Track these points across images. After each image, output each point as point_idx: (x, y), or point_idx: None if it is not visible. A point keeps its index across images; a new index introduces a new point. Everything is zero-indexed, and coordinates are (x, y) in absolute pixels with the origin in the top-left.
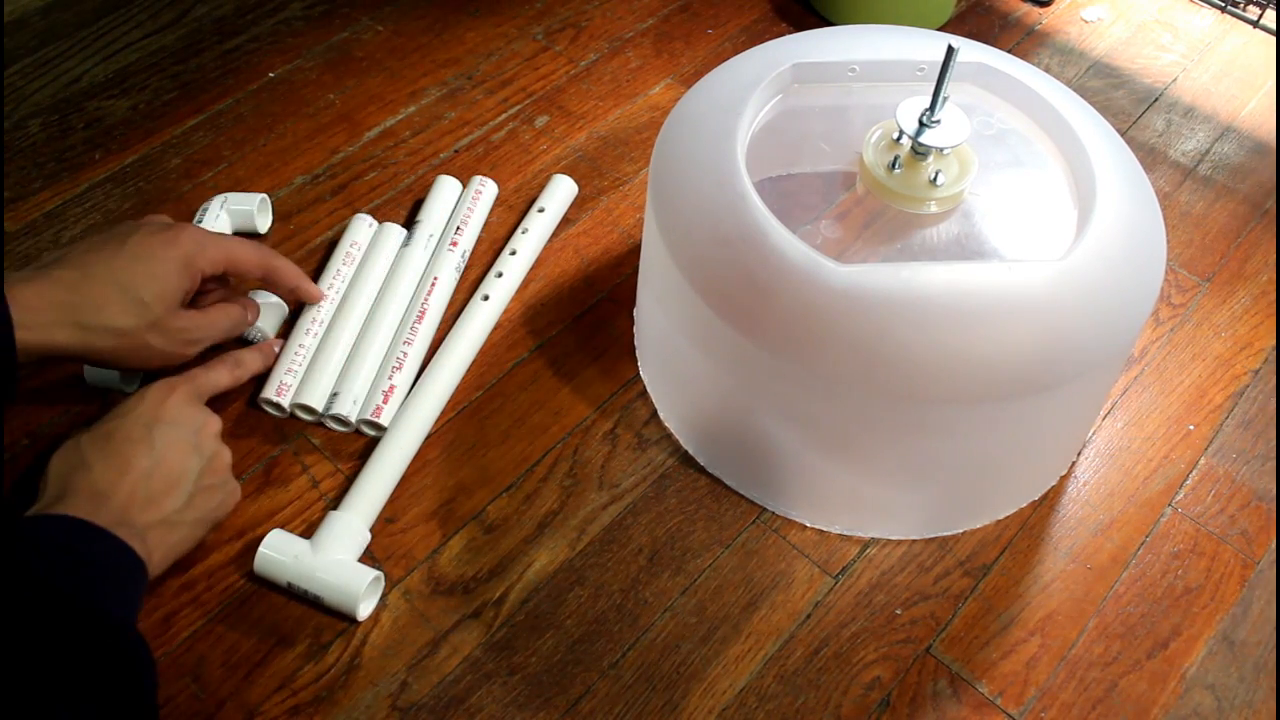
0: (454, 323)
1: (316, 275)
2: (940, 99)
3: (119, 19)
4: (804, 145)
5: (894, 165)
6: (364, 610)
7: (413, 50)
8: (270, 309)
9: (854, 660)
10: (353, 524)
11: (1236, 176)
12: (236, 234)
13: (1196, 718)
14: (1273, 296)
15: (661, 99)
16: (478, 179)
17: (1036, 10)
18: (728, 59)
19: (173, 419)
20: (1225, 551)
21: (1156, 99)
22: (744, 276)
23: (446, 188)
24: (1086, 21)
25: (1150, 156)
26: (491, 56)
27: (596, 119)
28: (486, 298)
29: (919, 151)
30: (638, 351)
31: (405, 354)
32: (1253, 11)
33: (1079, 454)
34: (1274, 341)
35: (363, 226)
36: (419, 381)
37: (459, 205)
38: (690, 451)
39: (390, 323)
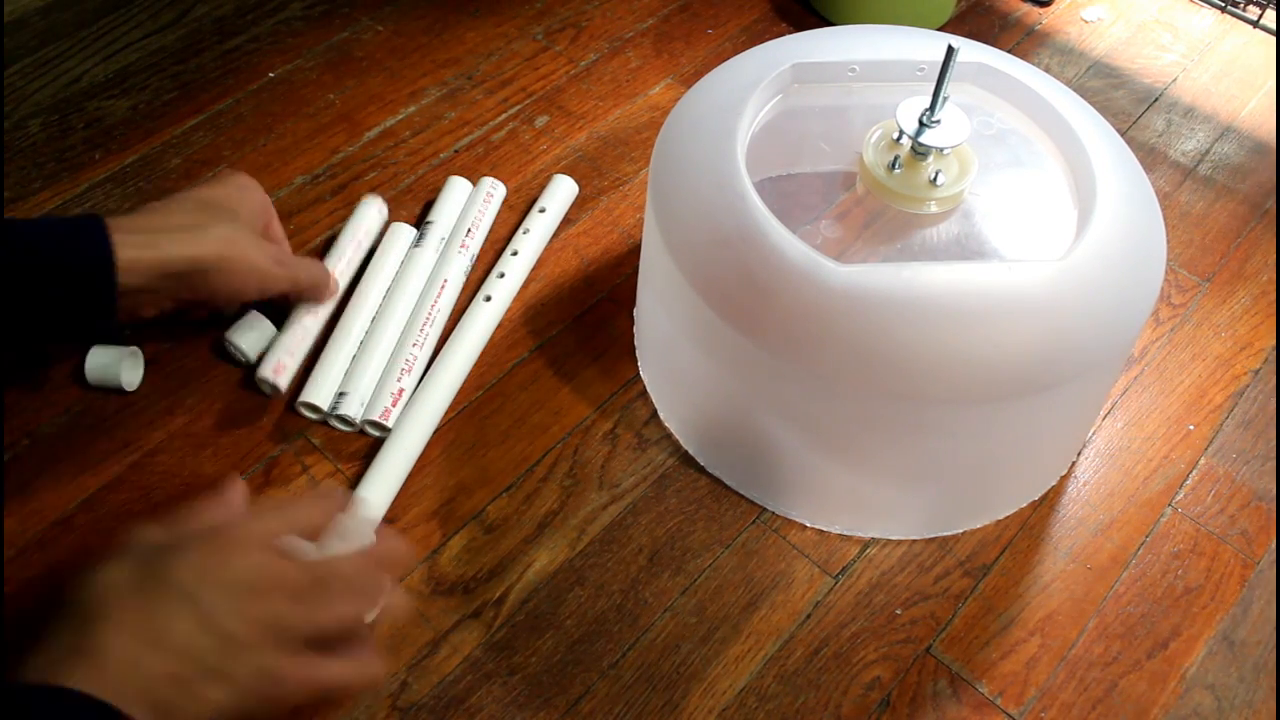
0: (456, 323)
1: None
2: (940, 99)
3: (119, 19)
4: (804, 145)
5: (894, 165)
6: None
7: (413, 50)
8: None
9: (854, 660)
10: (360, 527)
11: (1236, 176)
12: None
13: (1196, 718)
14: (1273, 296)
15: (661, 99)
16: (488, 181)
17: (1036, 10)
18: (728, 59)
19: (205, 576)
20: (1225, 551)
21: (1156, 99)
22: (744, 276)
23: (458, 189)
24: (1086, 21)
25: (1150, 156)
26: (491, 56)
27: (596, 119)
28: (489, 298)
29: (919, 151)
30: (638, 351)
31: (414, 357)
32: (1253, 11)
33: (1079, 454)
34: (1274, 341)
35: (372, 211)
36: (422, 383)
37: (470, 208)
38: (690, 451)
39: (398, 324)
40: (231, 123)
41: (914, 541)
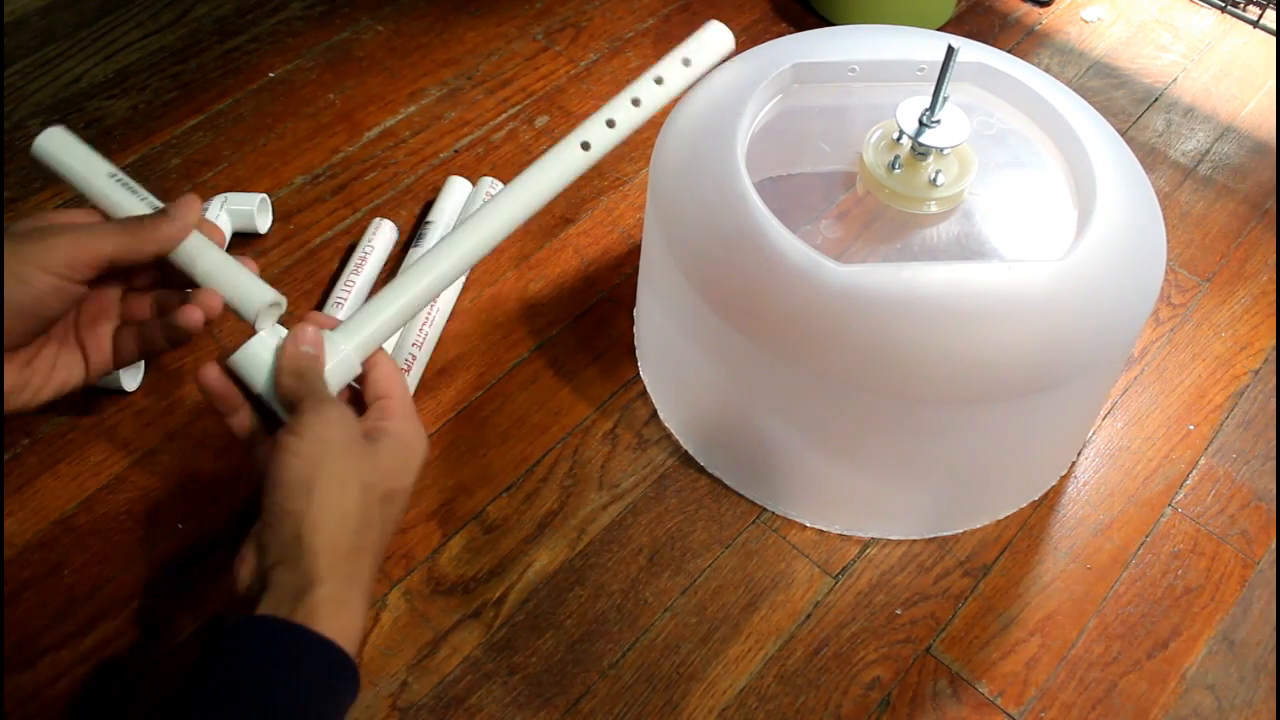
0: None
1: (331, 282)
2: (940, 99)
3: (119, 19)
4: (804, 145)
5: (894, 165)
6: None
7: (413, 50)
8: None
9: (854, 660)
10: (342, 349)
11: (1236, 176)
12: (236, 234)
13: (1196, 718)
14: (1273, 296)
15: None
16: (488, 180)
17: (1036, 10)
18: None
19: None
20: (1225, 551)
21: (1156, 99)
22: (744, 276)
23: (457, 189)
24: (1086, 21)
25: (1150, 156)
26: (491, 56)
27: None
28: (587, 145)
29: (919, 151)
30: (638, 351)
31: (414, 356)
32: (1253, 11)
33: (1079, 454)
34: (1274, 341)
35: (384, 232)
36: (477, 211)
37: (470, 208)
38: (690, 451)
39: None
40: (231, 123)
41: (914, 541)
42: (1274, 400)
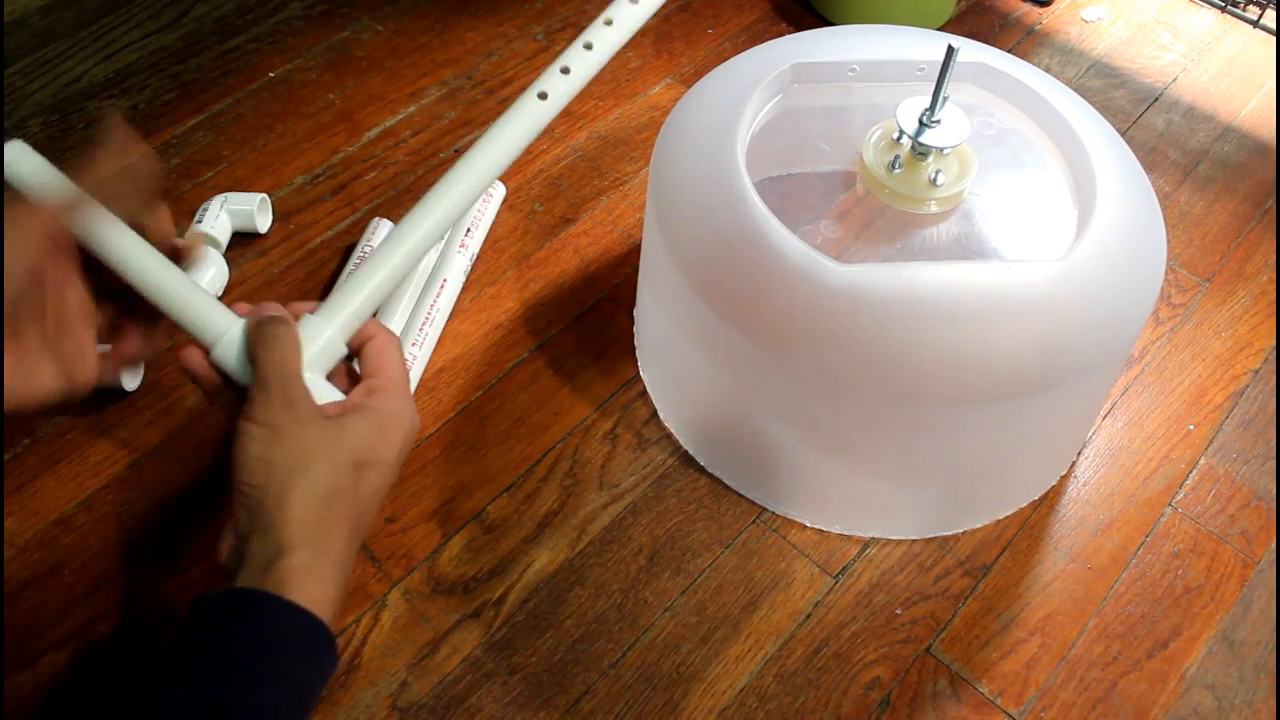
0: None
1: (331, 282)
2: (940, 99)
3: (119, 19)
4: (804, 145)
5: (894, 165)
6: None
7: (413, 50)
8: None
9: (854, 660)
10: (325, 333)
11: (1236, 176)
12: (236, 234)
13: (1196, 718)
14: (1273, 296)
15: (661, 99)
16: None
17: (1036, 10)
18: (728, 59)
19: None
20: (1225, 551)
21: (1156, 99)
22: (744, 276)
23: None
24: (1086, 21)
25: (1150, 156)
26: (491, 56)
27: (596, 119)
28: (544, 95)
29: (919, 151)
30: (638, 351)
31: (414, 356)
32: (1253, 11)
33: (1079, 454)
34: (1274, 341)
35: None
36: (447, 175)
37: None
38: (690, 451)
39: (398, 324)
40: (231, 123)
41: (914, 541)
42: (1274, 400)
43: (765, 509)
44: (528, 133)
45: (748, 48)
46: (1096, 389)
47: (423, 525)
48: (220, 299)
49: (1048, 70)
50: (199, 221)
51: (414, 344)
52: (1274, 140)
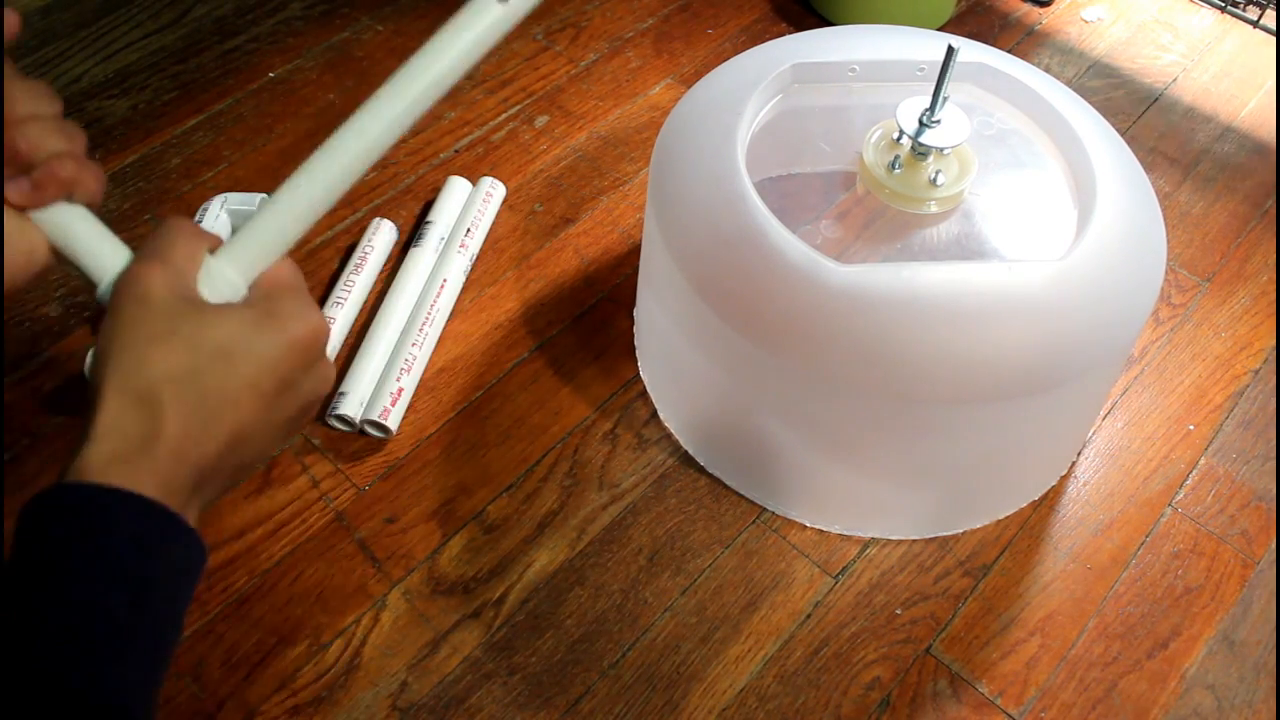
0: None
1: (331, 282)
2: (940, 99)
3: (119, 19)
4: (804, 145)
5: (894, 165)
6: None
7: (413, 50)
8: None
9: (854, 660)
10: (226, 274)
11: (1236, 176)
12: None
13: (1196, 718)
14: (1273, 296)
15: (661, 99)
16: (488, 181)
17: (1036, 10)
18: (728, 59)
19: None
20: (1225, 551)
21: (1156, 99)
22: (744, 276)
23: (457, 189)
24: (1086, 21)
25: (1150, 156)
26: (491, 56)
27: (596, 119)
28: None
29: (919, 151)
30: (638, 351)
31: (414, 356)
32: (1253, 11)
33: (1079, 454)
34: (1274, 341)
35: (384, 232)
36: (359, 111)
37: (469, 208)
38: (690, 451)
39: (398, 324)
40: (231, 123)
41: (914, 541)
42: (1274, 400)
43: (765, 509)
44: (481, 43)
45: (748, 48)
46: (1096, 389)
47: (423, 525)
48: None
49: (1048, 70)
50: (199, 222)
51: (414, 344)
52: (1274, 140)
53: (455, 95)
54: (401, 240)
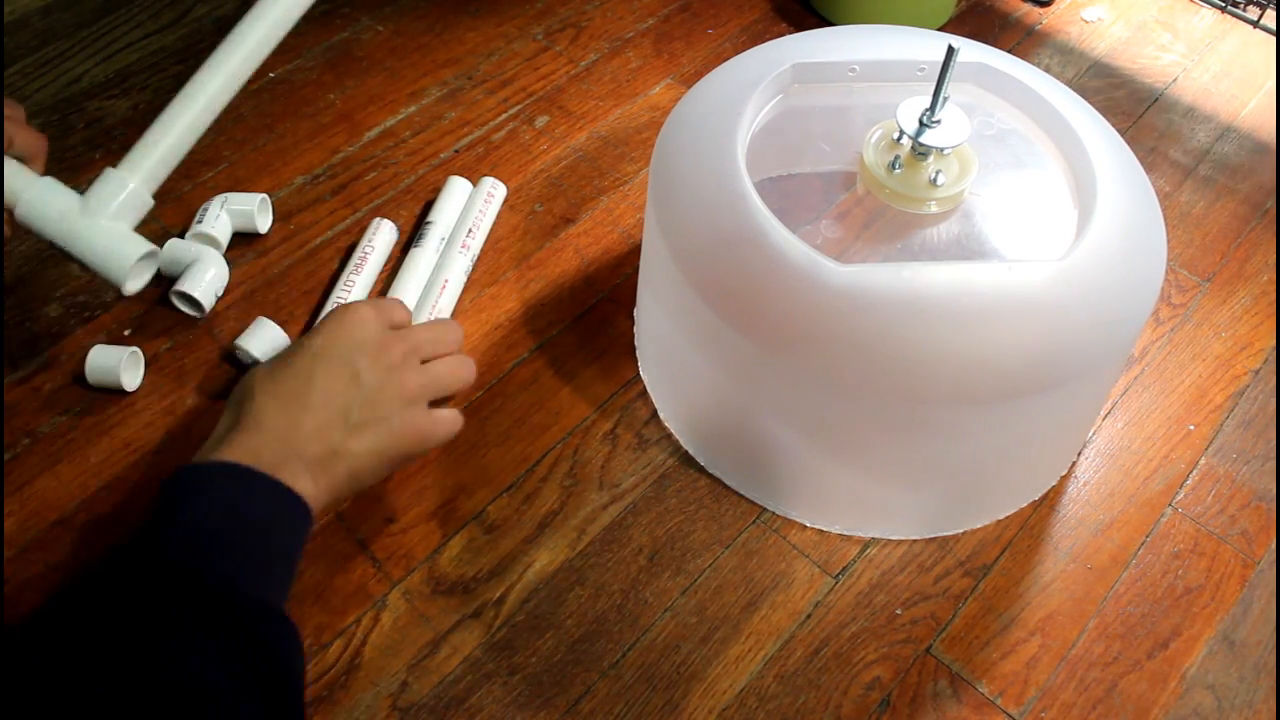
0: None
1: (331, 282)
2: (940, 99)
3: (119, 19)
4: (804, 145)
5: (894, 165)
6: (132, 285)
7: (413, 50)
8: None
9: (854, 660)
10: (128, 184)
11: (1236, 176)
12: (236, 234)
13: (1196, 718)
14: (1273, 296)
15: (661, 99)
16: (489, 181)
17: (1036, 10)
18: (728, 59)
19: (335, 344)
20: (1225, 551)
21: (1156, 99)
22: (744, 276)
23: (458, 189)
24: (1086, 21)
25: (1150, 156)
26: (491, 56)
27: (596, 119)
28: None
29: (919, 151)
30: (638, 351)
31: None
32: (1253, 11)
33: (1079, 454)
34: (1274, 341)
35: (382, 231)
36: (239, 24)
37: (470, 208)
38: (690, 451)
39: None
40: (231, 123)
41: (914, 541)
42: (1274, 400)
43: (765, 509)
44: None
45: (748, 48)
46: (1096, 389)
47: (423, 525)
48: (220, 299)
49: (1048, 70)
50: (199, 222)
51: None
52: (1274, 140)
53: (455, 95)
54: (402, 240)
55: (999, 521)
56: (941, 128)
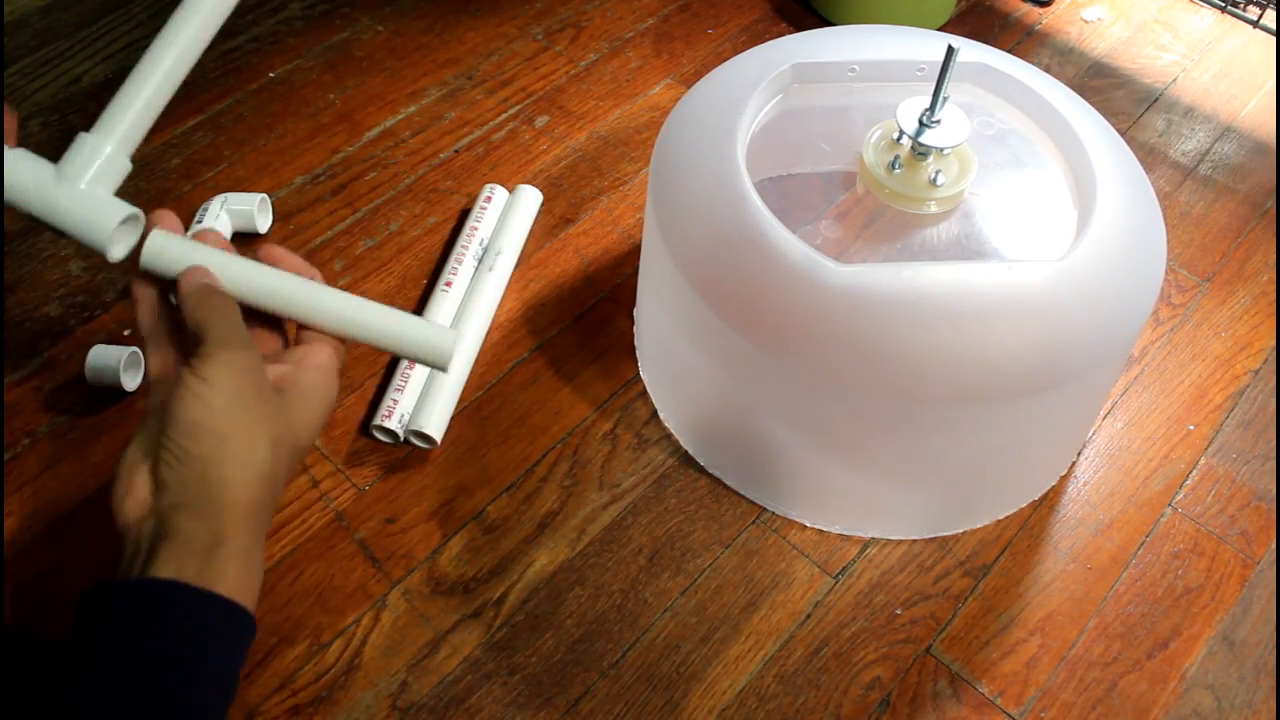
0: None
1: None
2: (940, 99)
3: (119, 19)
4: (804, 145)
5: (894, 165)
6: (116, 251)
7: (413, 50)
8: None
9: (854, 660)
10: (104, 148)
11: (1236, 176)
12: (236, 234)
13: (1196, 718)
14: (1273, 296)
15: (661, 99)
16: (531, 193)
17: (1036, 10)
18: (728, 59)
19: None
20: (1225, 551)
21: (1156, 99)
22: (744, 276)
23: (526, 203)
24: (1086, 21)
25: (1150, 156)
26: (491, 56)
27: (596, 119)
28: None
29: (919, 151)
30: (638, 351)
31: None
32: (1253, 11)
33: (1079, 454)
34: (1274, 341)
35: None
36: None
37: (507, 215)
38: (690, 451)
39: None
40: (231, 123)
41: (914, 541)
42: (1274, 400)
43: (765, 509)
44: None
45: (748, 48)
46: (1096, 389)
47: (423, 525)
48: None
49: (1048, 70)
50: (199, 221)
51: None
52: (1274, 140)
53: (455, 95)
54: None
55: (999, 521)
56: (941, 128)
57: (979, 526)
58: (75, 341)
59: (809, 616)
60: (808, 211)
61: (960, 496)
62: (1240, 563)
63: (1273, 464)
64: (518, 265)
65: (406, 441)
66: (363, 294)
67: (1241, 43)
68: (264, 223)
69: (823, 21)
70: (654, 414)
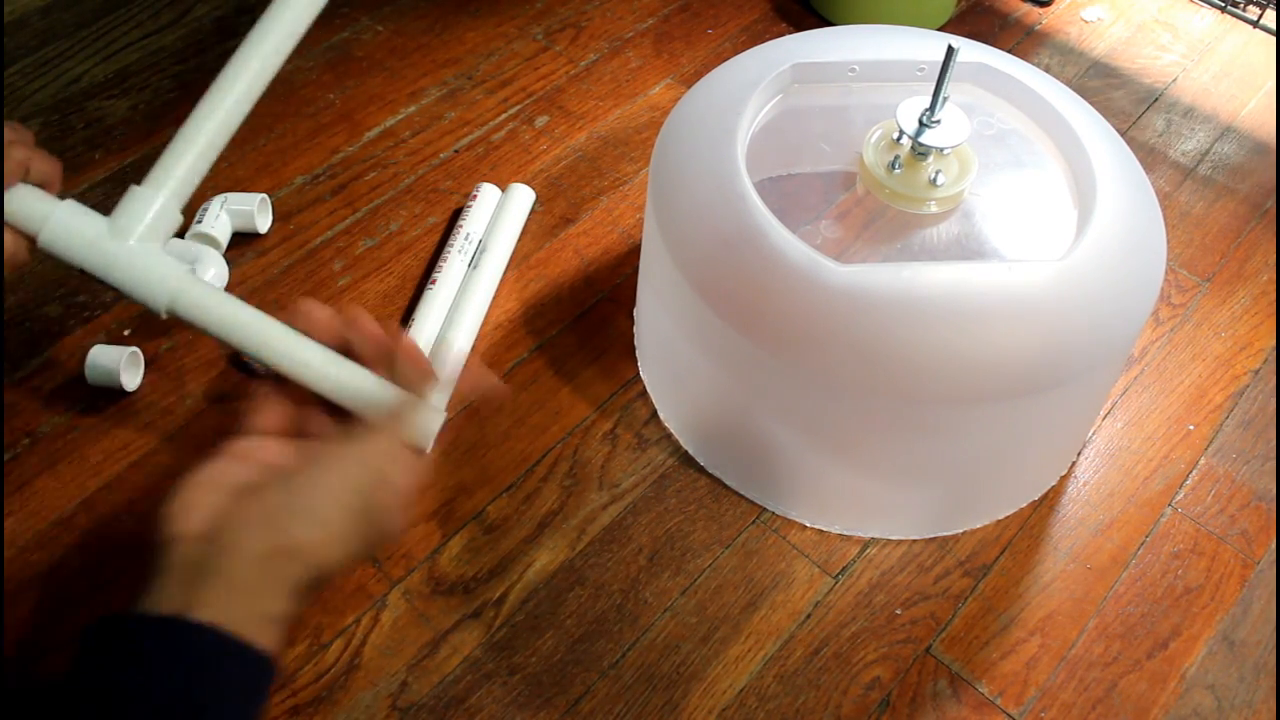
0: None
1: (331, 282)
2: (940, 99)
3: (119, 19)
4: (804, 145)
5: (894, 165)
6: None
7: (413, 50)
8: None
9: (854, 660)
10: (155, 202)
11: (1236, 176)
12: (236, 234)
13: (1196, 718)
14: (1273, 296)
15: (661, 99)
16: (524, 192)
17: (1036, 10)
18: (728, 59)
19: None
20: (1225, 551)
21: (1156, 99)
22: (744, 276)
23: (518, 201)
24: (1086, 21)
25: (1150, 156)
26: (491, 56)
27: (596, 119)
28: None
29: (919, 151)
30: (638, 351)
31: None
32: (1253, 11)
33: (1079, 454)
34: (1274, 341)
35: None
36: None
37: (499, 222)
38: (690, 451)
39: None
40: None
41: (914, 541)
42: (1274, 400)
43: (765, 509)
44: None
45: (748, 48)
46: (1096, 389)
47: (423, 525)
48: None
49: (1048, 70)
50: (199, 221)
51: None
52: (1274, 140)
53: (455, 95)
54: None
55: (999, 521)
56: (941, 128)
57: (979, 526)
58: (75, 341)
59: (809, 616)
60: (808, 211)
61: (960, 496)
62: (1240, 563)
63: (1273, 464)
64: (518, 265)
65: None
66: (362, 294)
67: (1241, 43)
68: (264, 223)
69: (823, 21)
70: (654, 414)
